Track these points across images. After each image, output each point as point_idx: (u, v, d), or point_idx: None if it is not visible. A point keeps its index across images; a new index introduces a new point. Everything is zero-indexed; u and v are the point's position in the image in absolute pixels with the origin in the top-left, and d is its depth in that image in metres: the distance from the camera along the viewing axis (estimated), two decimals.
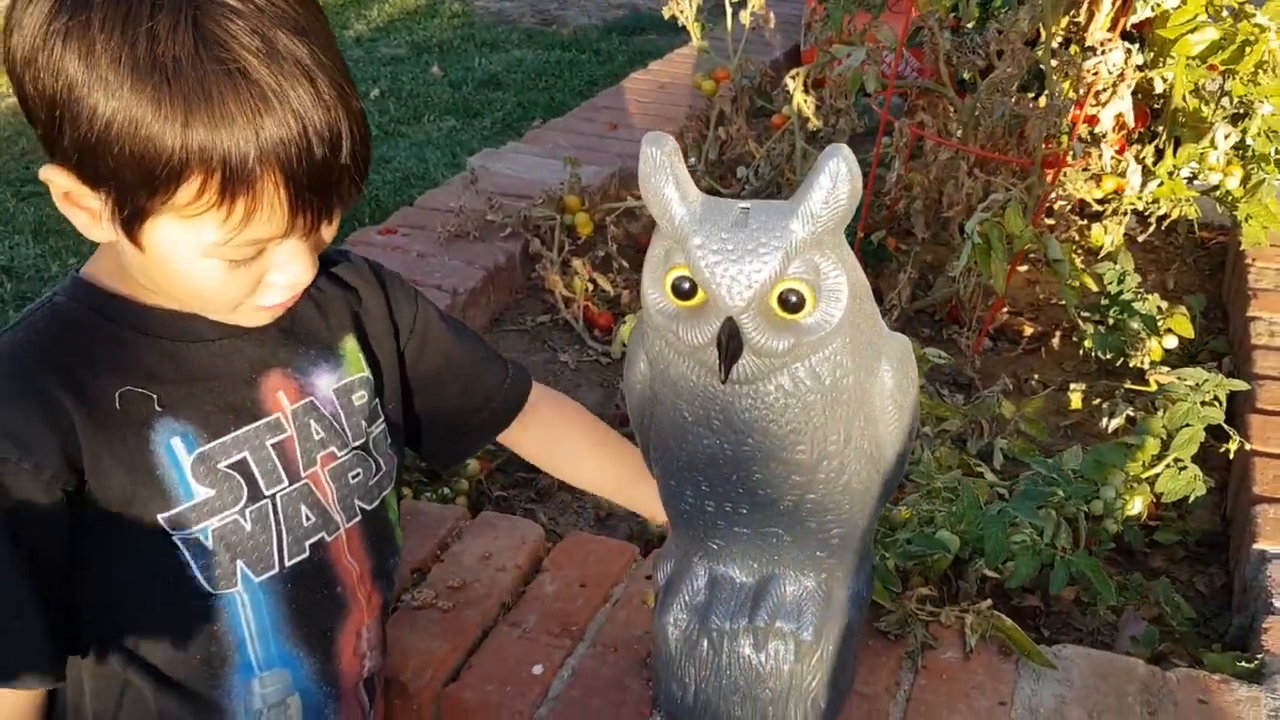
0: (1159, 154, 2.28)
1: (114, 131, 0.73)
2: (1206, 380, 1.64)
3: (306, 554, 0.92)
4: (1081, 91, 2.00)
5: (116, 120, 0.72)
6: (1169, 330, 2.02)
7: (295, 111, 0.74)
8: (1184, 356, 2.04)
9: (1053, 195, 2.15)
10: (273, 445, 0.90)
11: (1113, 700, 1.15)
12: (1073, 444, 1.68)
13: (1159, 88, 2.21)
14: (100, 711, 0.91)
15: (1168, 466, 1.57)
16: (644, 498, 1.12)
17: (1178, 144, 2.25)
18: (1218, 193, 2.21)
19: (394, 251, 2.19)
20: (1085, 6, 2.06)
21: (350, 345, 0.97)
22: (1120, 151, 2.25)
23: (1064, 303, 2.06)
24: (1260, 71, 2.08)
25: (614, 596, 1.29)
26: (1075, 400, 1.90)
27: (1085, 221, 2.36)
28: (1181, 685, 1.17)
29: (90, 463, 0.82)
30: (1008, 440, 1.71)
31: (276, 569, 0.90)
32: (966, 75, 2.26)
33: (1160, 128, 2.29)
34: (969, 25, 2.33)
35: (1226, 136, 2.16)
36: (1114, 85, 2.04)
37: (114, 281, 0.86)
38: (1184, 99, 2.18)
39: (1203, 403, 1.61)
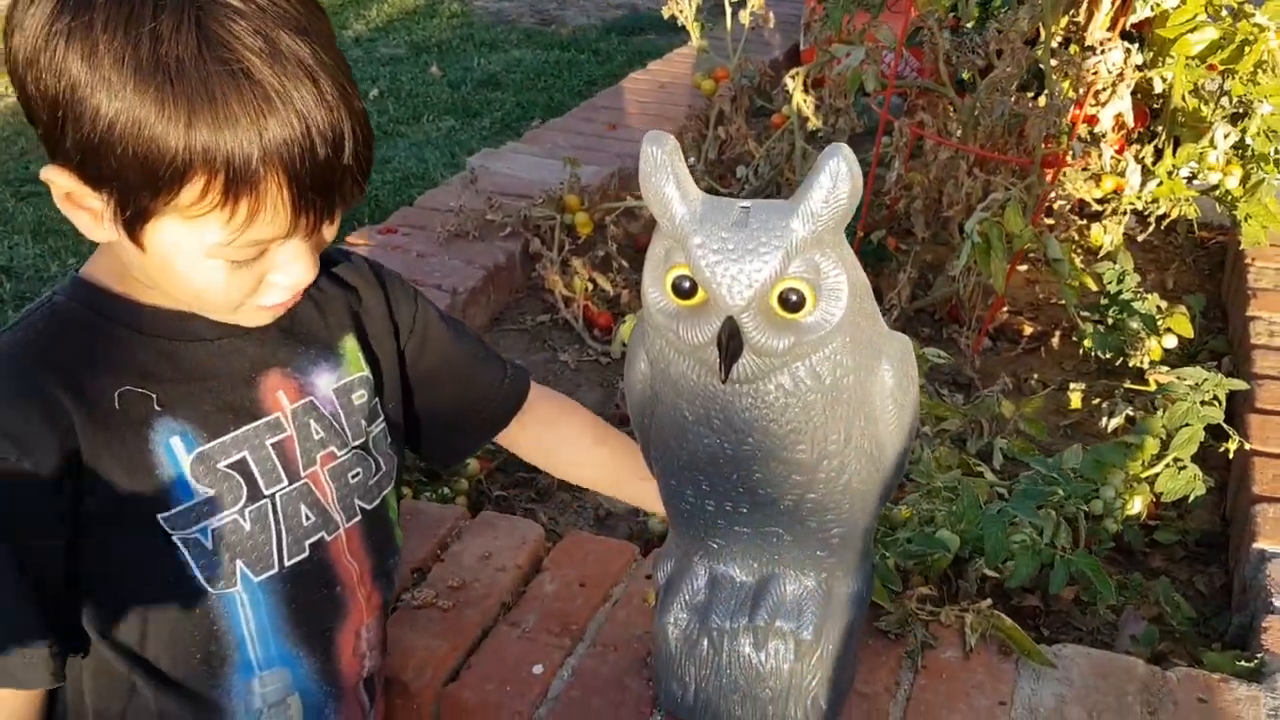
0: (1158, 153, 2.28)
1: (117, 132, 0.72)
2: (1206, 380, 1.64)
3: (306, 554, 0.92)
4: (1081, 91, 2.00)
5: (120, 121, 0.72)
6: (1168, 330, 2.02)
7: (299, 112, 0.74)
8: (1183, 356, 2.04)
9: (1052, 195, 2.15)
10: (272, 445, 0.90)
11: (1112, 699, 1.15)
12: (1072, 443, 1.68)
13: (1158, 87, 2.21)
14: (101, 711, 0.91)
15: (1167, 466, 1.57)
16: (647, 493, 1.12)
17: (1177, 144, 2.26)
18: (1217, 192, 2.21)
19: (394, 251, 2.19)
20: (1085, 6, 2.06)
21: (350, 345, 0.97)
22: (1120, 151, 2.25)
23: (1063, 302, 2.06)
24: (1259, 71, 2.08)
25: (614, 596, 1.29)
26: (1075, 400, 1.90)
27: (1085, 221, 2.36)
28: (1181, 684, 1.17)
29: (89, 462, 0.82)
30: (1007, 440, 1.71)
31: (276, 569, 0.90)
32: (966, 75, 2.26)
33: (1160, 127, 2.29)
34: (968, 25, 2.33)
35: (1226, 136, 2.16)
36: (1113, 85, 2.04)
37: (113, 281, 0.86)
38: (1183, 98, 2.18)
39: (1202, 402, 1.61)
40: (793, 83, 2.43)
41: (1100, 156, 2.20)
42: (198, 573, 0.87)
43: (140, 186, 0.74)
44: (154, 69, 0.71)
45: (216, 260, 0.79)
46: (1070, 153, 2.09)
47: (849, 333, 0.88)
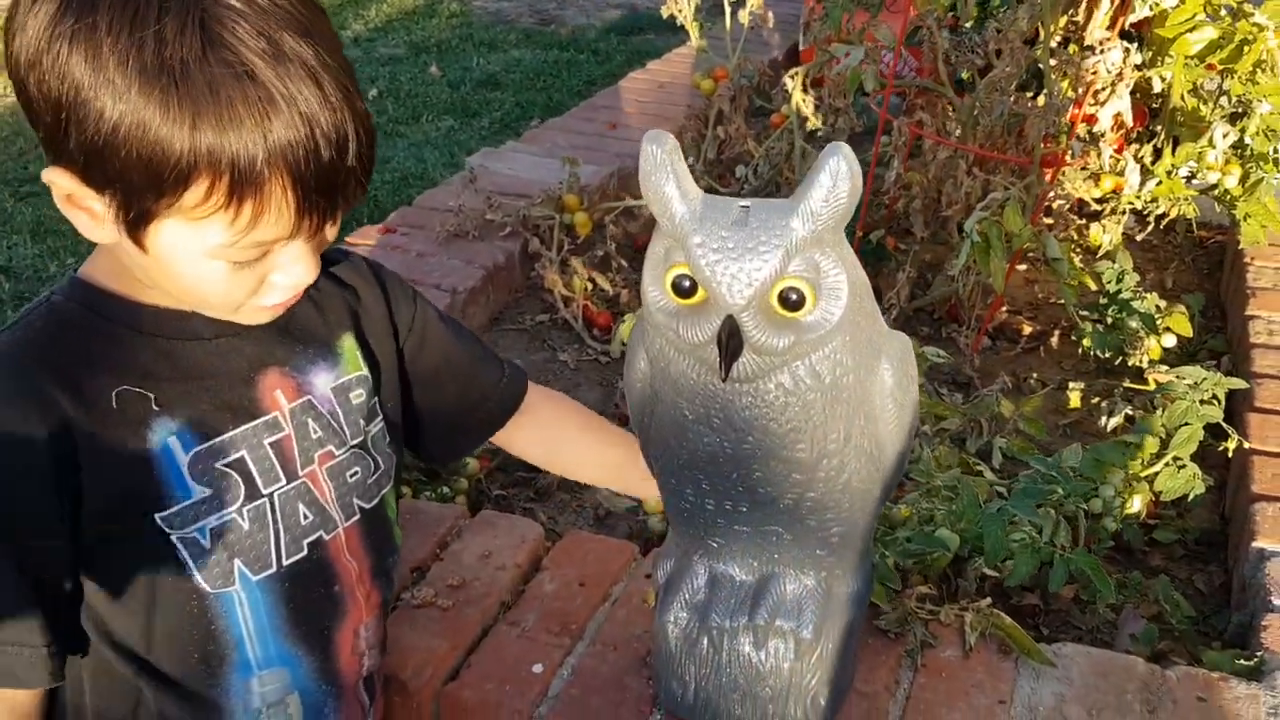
0: (1157, 153, 2.28)
1: (121, 134, 0.72)
2: (1205, 379, 1.64)
3: (304, 553, 0.92)
4: (1080, 90, 2.00)
5: (124, 123, 0.72)
6: (1168, 329, 2.02)
7: (303, 113, 0.74)
8: (1183, 355, 2.04)
9: (1051, 194, 2.15)
10: (270, 444, 0.90)
11: (1112, 698, 1.15)
12: (1072, 443, 1.68)
13: (1157, 87, 2.21)
14: (100, 711, 0.91)
15: (1167, 465, 1.57)
16: (650, 487, 1.12)
17: (1176, 143, 2.25)
18: (1216, 191, 2.21)
19: (393, 251, 2.19)
20: (1084, 5, 2.06)
21: (348, 344, 0.97)
22: (1119, 150, 2.25)
23: (1063, 301, 2.06)
24: (1258, 70, 2.07)
25: (613, 595, 1.29)
26: (1074, 399, 1.90)
27: (1084, 220, 2.36)
28: (1181, 683, 1.17)
29: (87, 462, 0.82)
30: (1007, 439, 1.71)
31: (274, 568, 0.90)
32: (965, 74, 2.26)
33: (1159, 127, 2.29)
34: (967, 24, 2.33)
35: (1225, 135, 2.16)
36: (1112, 84, 2.04)
37: (111, 281, 0.86)
38: (1182, 98, 2.18)
39: (1201, 401, 1.61)
40: (792, 82, 2.43)
41: (1099, 156, 2.20)
42: (195, 572, 0.86)
43: (144, 189, 0.74)
44: (159, 71, 0.71)
45: (218, 261, 0.79)
46: (1069, 152, 2.09)
47: (849, 332, 0.88)
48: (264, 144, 0.73)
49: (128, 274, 0.84)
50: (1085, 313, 2.08)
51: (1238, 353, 2.00)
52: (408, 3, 5.22)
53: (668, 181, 0.86)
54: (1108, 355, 2.02)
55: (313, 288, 0.91)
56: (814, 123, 2.45)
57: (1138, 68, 2.10)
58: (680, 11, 2.58)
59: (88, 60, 0.72)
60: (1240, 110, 2.16)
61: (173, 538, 0.85)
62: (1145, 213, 2.34)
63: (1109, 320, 2.04)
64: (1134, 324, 1.99)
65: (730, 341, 0.85)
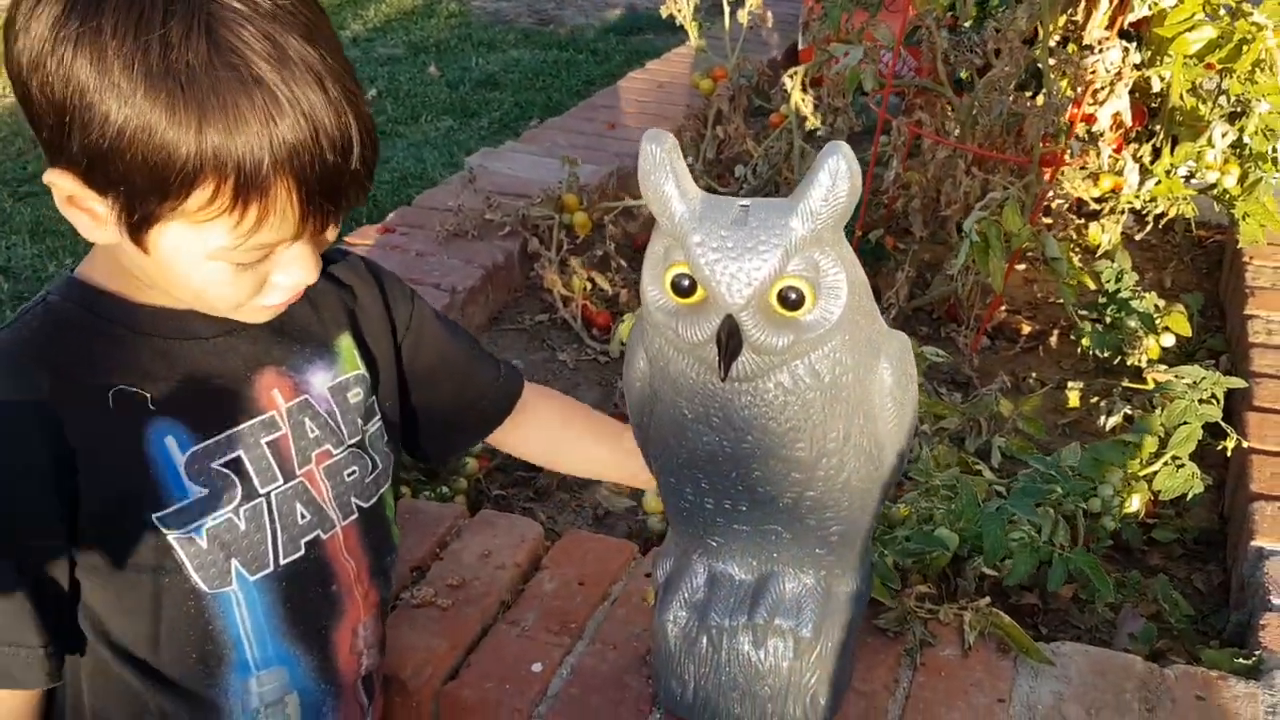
0: (1156, 152, 2.28)
1: (126, 138, 0.72)
2: (1204, 378, 1.64)
3: (302, 552, 0.92)
4: (1079, 90, 2.00)
5: (129, 127, 0.72)
6: (1166, 328, 2.02)
7: (308, 116, 0.74)
8: (1181, 354, 2.04)
9: (1050, 194, 2.15)
10: (267, 443, 0.90)
11: (1111, 697, 1.15)
12: (1070, 442, 1.68)
13: (1156, 86, 2.21)
14: (98, 711, 0.91)
15: (1165, 464, 1.57)
16: (651, 480, 1.12)
17: (1175, 142, 2.25)
18: (1215, 191, 2.21)
19: (392, 251, 2.19)
20: (1083, 5, 2.06)
21: (345, 343, 0.97)
22: (1118, 150, 2.25)
23: (1062, 301, 2.06)
24: (1257, 70, 2.07)
25: (613, 594, 1.29)
26: (1073, 398, 1.90)
27: (1083, 220, 2.36)
28: (1179, 682, 1.17)
29: (84, 462, 0.82)
30: (1006, 438, 1.71)
31: (271, 568, 0.90)
32: (964, 74, 2.26)
33: (1158, 126, 2.29)
34: (966, 24, 2.33)
35: (1224, 135, 2.16)
36: (1111, 84, 2.04)
37: (109, 280, 0.85)
38: (1181, 97, 2.18)
39: (1200, 400, 1.61)
40: (791, 82, 2.43)
41: (1098, 155, 2.20)
42: (193, 572, 0.86)
43: (148, 191, 0.74)
44: (164, 75, 0.71)
45: (221, 263, 0.79)
46: (1068, 152, 2.09)
47: (848, 331, 0.88)
48: (269, 147, 0.73)
49: (125, 274, 0.84)
50: (1084, 312, 2.08)
51: (1236, 352, 2.00)
52: (406, 3, 5.22)
53: (667, 181, 0.86)
54: (1106, 355, 2.02)
55: (310, 287, 0.91)
56: (813, 122, 2.45)
57: (1136, 67, 2.10)
58: (679, 11, 2.58)
59: (93, 63, 0.72)
60: (1239, 109, 2.16)
61: (170, 538, 0.85)
62: (1144, 212, 2.34)
63: (1108, 320, 2.04)
64: (1133, 323, 1.99)
65: (729, 341, 0.85)
